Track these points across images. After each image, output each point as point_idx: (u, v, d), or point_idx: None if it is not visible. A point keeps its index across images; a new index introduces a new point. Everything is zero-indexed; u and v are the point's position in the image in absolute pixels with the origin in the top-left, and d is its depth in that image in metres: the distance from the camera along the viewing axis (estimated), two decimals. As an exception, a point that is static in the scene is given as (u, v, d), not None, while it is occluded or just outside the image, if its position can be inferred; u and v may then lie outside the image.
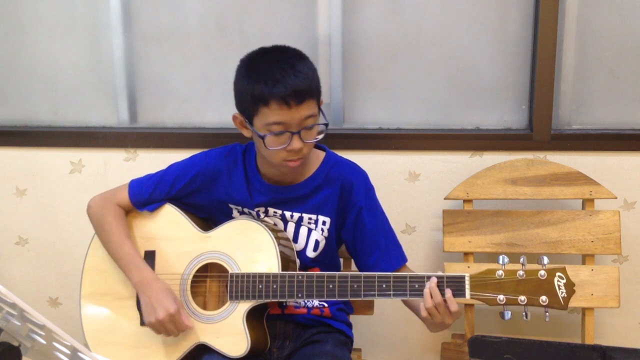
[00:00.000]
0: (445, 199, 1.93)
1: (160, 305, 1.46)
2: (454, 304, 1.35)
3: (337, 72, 2.01)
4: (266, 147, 1.45)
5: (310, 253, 1.59)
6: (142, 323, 1.54)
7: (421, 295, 1.38)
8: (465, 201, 1.91)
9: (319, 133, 1.49)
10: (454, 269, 1.87)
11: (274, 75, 1.41)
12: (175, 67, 2.10)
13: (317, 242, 1.59)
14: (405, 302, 1.56)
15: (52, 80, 2.16)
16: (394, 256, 1.58)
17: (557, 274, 1.32)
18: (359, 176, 1.60)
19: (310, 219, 1.58)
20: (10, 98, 2.19)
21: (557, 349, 1.62)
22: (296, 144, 1.44)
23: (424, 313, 1.38)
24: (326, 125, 1.48)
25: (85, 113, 2.16)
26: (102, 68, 2.13)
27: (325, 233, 1.59)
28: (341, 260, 1.77)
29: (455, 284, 1.36)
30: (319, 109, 1.49)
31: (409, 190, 2.03)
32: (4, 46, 2.15)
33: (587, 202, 1.87)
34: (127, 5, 2.08)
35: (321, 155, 1.62)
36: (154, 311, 1.46)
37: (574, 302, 1.33)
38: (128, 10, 2.08)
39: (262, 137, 1.44)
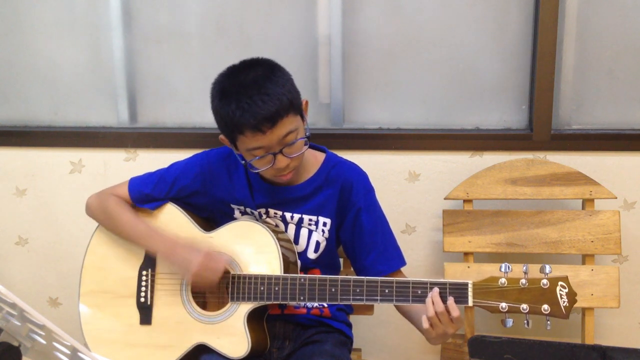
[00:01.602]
0: (445, 199, 1.93)
1: (189, 261, 1.46)
2: (455, 309, 1.34)
3: (337, 72, 2.01)
4: (254, 169, 1.47)
5: (311, 254, 1.59)
6: (142, 322, 1.55)
7: (423, 301, 1.38)
8: (465, 201, 1.91)
9: (304, 144, 1.48)
10: (454, 269, 1.87)
11: (242, 103, 1.38)
12: (175, 67, 2.10)
13: (317, 244, 1.59)
14: (405, 314, 1.55)
15: (52, 80, 2.16)
16: (392, 258, 1.58)
17: (560, 283, 1.32)
18: (359, 177, 1.60)
19: (310, 220, 1.58)
20: (10, 98, 2.19)
21: (557, 349, 1.63)
22: (281, 162, 1.44)
23: (425, 324, 1.37)
24: (308, 137, 1.47)
25: (85, 113, 2.16)
26: (102, 68, 2.13)
27: (326, 234, 1.59)
28: (341, 260, 1.77)
29: (458, 291, 1.36)
30: (301, 115, 1.47)
31: (409, 190, 2.03)
32: (4, 46, 2.15)
33: (587, 202, 1.87)
34: (127, 5, 2.08)
35: (320, 157, 1.61)
36: (187, 270, 1.47)
37: (574, 302, 1.33)
38: (128, 10, 2.08)
39: (248, 163, 1.46)
